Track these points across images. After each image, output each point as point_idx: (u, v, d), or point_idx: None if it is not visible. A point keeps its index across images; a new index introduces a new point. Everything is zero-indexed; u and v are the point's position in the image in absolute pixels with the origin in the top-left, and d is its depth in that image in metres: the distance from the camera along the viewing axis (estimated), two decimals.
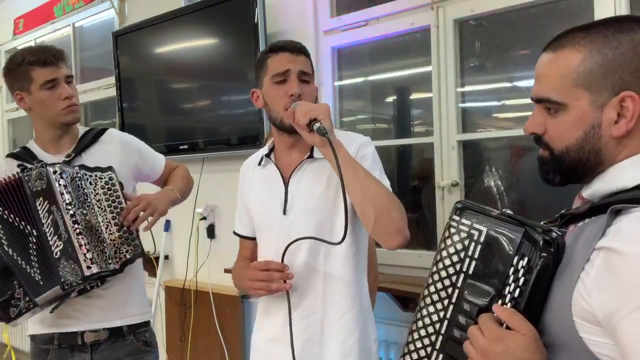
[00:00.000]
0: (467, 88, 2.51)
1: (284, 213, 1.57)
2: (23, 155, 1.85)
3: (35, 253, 1.68)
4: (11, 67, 1.81)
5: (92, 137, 1.90)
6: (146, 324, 1.94)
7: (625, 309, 0.77)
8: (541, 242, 0.89)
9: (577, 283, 0.84)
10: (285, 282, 1.51)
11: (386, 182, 1.53)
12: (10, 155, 1.89)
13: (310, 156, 1.59)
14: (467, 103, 2.51)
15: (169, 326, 3.53)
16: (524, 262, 0.90)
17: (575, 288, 0.84)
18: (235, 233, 1.79)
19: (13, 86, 1.83)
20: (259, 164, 1.68)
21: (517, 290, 0.90)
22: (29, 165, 1.76)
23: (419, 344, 1.05)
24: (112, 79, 3.82)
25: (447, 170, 2.47)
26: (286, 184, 1.59)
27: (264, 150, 1.70)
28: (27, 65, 1.78)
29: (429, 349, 1.03)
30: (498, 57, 2.50)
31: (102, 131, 1.94)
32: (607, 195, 0.91)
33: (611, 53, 0.90)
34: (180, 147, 3.33)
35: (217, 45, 3.21)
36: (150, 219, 1.84)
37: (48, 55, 1.79)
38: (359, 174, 1.43)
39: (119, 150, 1.91)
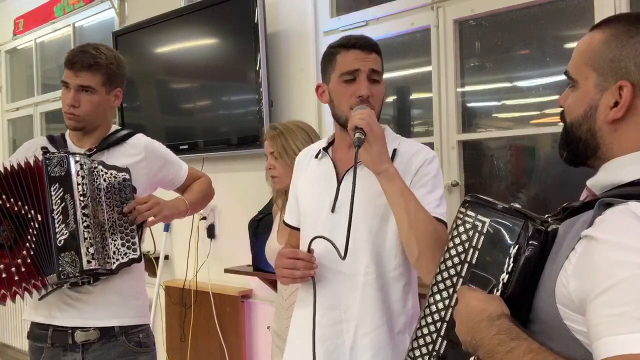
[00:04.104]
0: (467, 88, 2.51)
1: (332, 211, 1.53)
2: (58, 140, 1.89)
3: (34, 239, 1.68)
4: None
5: (119, 138, 1.91)
6: (140, 325, 1.90)
7: (594, 292, 0.79)
8: (531, 231, 0.94)
9: (561, 270, 0.87)
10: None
11: (442, 209, 1.47)
12: (48, 137, 1.92)
13: None
14: (467, 103, 2.51)
15: (169, 326, 3.53)
16: (514, 250, 0.96)
17: (559, 275, 0.87)
18: (284, 223, 1.76)
19: None
20: (316, 156, 1.63)
21: (507, 277, 0.96)
22: (53, 150, 1.79)
23: (425, 330, 1.11)
24: None
25: (447, 170, 2.47)
26: (339, 181, 1.55)
27: (322, 142, 1.66)
28: (65, 62, 1.82)
29: (434, 335, 1.10)
30: (498, 57, 2.50)
31: (131, 134, 1.94)
32: (605, 188, 0.93)
33: (625, 42, 0.92)
34: (180, 147, 3.33)
35: (217, 45, 3.21)
36: (151, 218, 1.84)
37: (72, 58, 1.80)
38: (409, 206, 1.38)
39: (142, 156, 1.90)
